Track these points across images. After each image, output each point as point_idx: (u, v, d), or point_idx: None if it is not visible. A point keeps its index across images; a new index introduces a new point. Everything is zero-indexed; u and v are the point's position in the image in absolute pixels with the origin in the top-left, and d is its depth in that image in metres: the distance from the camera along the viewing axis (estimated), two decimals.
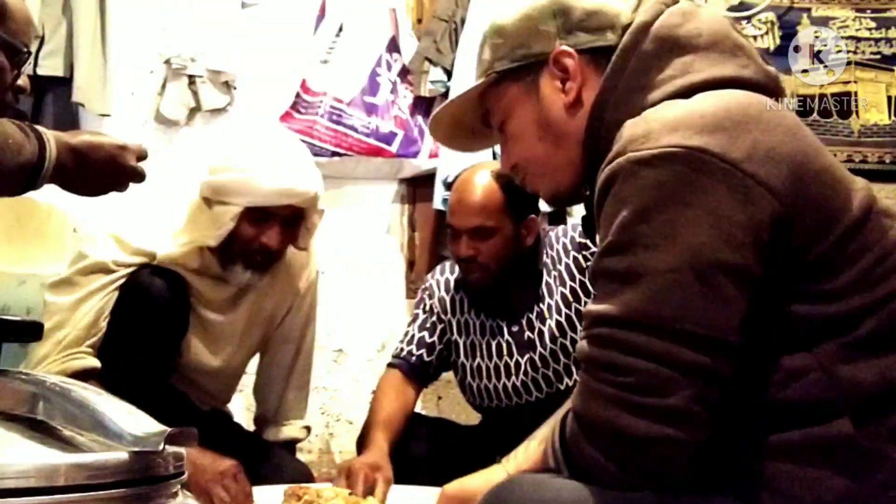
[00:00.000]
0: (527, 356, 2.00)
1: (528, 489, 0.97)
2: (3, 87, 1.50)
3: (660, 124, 0.97)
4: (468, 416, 2.41)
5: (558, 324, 1.97)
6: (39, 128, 1.34)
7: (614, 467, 0.93)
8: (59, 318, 1.85)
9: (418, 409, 3.01)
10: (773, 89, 1.11)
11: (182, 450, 0.80)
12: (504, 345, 2.02)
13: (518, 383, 2.01)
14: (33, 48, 1.60)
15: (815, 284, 0.95)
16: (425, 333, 2.11)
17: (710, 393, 0.92)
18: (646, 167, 0.94)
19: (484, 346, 2.05)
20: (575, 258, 1.99)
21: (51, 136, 1.34)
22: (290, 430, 2.17)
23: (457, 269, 2.13)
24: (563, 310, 1.97)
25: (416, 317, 2.15)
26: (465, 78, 2.93)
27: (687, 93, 1.04)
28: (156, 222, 1.98)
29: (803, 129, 1.04)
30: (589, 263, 1.89)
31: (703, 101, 1.01)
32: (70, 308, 1.86)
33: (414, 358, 2.09)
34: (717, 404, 0.93)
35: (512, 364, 2.02)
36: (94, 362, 1.85)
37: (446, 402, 3.10)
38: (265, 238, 1.88)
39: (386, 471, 1.83)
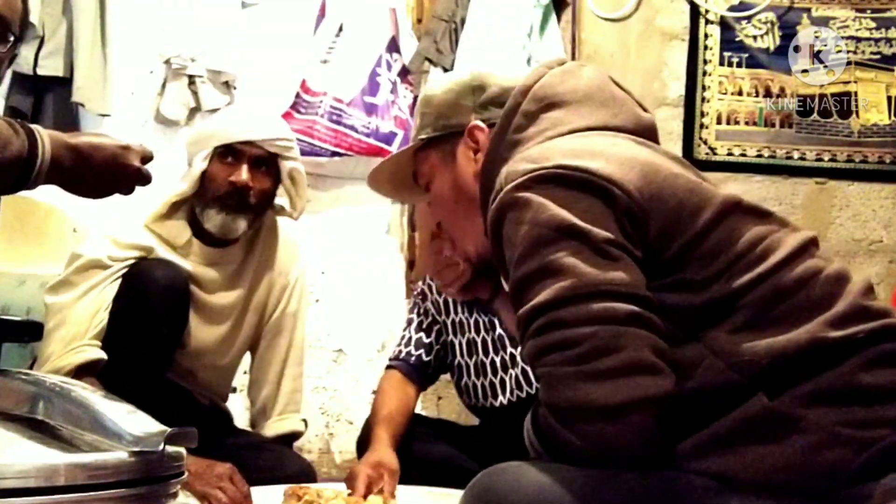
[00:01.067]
0: (520, 347, 2.02)
1: (511, 472, 1.01)
2: None
3: (524, 161, 1.11)
4: (468, 417, 2.41)
5: None
6: (34, 126, 1.33)
7: (590, 448, 0.97)
8: (60, 317, 1.88)
9: (418, 409, 3.01)
10: (643, 135, 1.22)
11: (182, 450, 0.80)
12: (497, 340, 2.04)
13: (518, 374, 2.02)
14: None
15: (684, 275, 1.04)
16: (422, 334, 2.12)
17: (658, 343, 0.98)
18: (522, 190, 1.07)
19: (479, 343, 2.07)
20: None
21: (45, 134, 1.32)
22: (288, 423, 2.18)
23: None
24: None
25: (410, 321, 2.17)
26: None
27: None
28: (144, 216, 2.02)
29: (655, 150, 1.17)
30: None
31: (560, 141, 1.16)
32: (70, 306, 1.89)
33: (413, 358, 2.10)
34: (666, 356, 0.98)
35: (508, 357, 2.04)
36: (100, 354, 1.87)
37: (446, 402, 3.10)
38: (234, 176, 1.98)
39: (390, 464, 1.83)
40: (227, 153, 1.99)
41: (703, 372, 0.99)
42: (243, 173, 1.98)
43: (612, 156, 1.09)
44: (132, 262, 1.94)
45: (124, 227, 1.98)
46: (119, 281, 1.92)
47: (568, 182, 1.05)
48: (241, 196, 2.00)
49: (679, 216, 1.06)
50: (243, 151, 1.99)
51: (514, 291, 1.08)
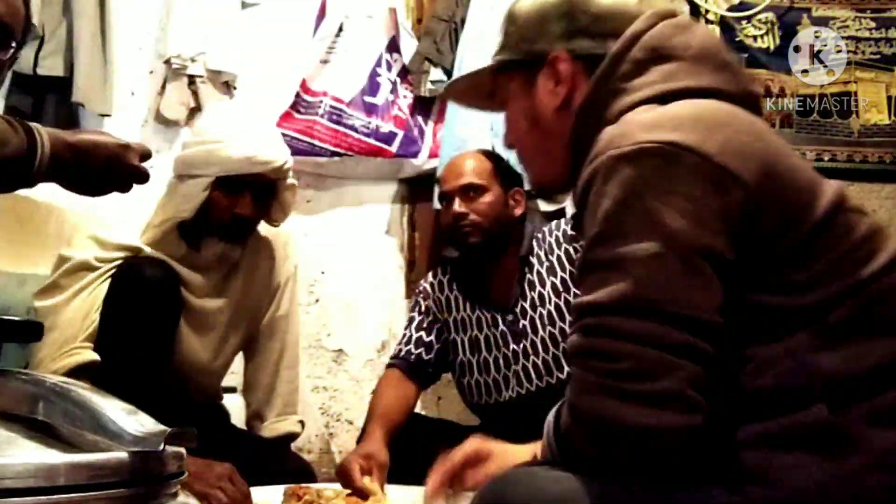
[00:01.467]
0: (522, 344, 2.04)
1: (524, 481, 0.99)
2: None
3: (636, 125, 1.03)
4: (468, 417, 2.41)
5: (549, 312, 2.03)
6: (33, 124, 1.32)
7: (608, 460, 0.95)
8: (51, 321, 1.86)
9: (417, 409, 3.01)
10: (751, 107, 1.14)
11: (182, 450, 0.80)
12: (500, 336, 2.06)
13: (520, 370, 2.03)
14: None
15: (783, 276, 0.98)
16: (423, 333, 2.13)
17: (700, 374, 0.94)
18: (624, 162, 0.99)
19: (482, 340, 2.08)
20: (566, 250, 2.06)
21: (44, 131, 1.32)
22: (285, 424, 2.17)
23: (448, 270, 2.17)
24: (554, 299, 2.03)
25: (412, 319, 2.18)
26: None
27: (665, 98, 1.09)
28: (136, 218, 2.01)
29: (773, 135, 1.08)
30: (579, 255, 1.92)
31: (677, 106, 1.06)
32: (60, 309, 1.88)
33: (413, 357, 2.10)
34: (708, 388, 0.94)
35: (510, 354, 2.04)
36: (92, 356, 1.86)
37: (446, 402, 3.10)
38: (238, 208, 1.95)
39: (379, 456, 1.84)
40: (230, 182, 1.94)
41: (777, 372, 0.96)
42: (248, 206, 1.95)
43: (734, 135, 1.01)
44: (120, 261, 1.92)
45: (109, 226, 1.97)
46: (108, 281, 1.91)
47: (681, 162, 0.98)
48: (242, 226, 1.99)
49: (790, 214, 1.00)
50: (247, 181, 1.94)
51: (580, 269, 1.03)
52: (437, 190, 3.03)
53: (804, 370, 0.96)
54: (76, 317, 1.87)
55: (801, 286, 0.98)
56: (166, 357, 1.97)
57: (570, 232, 2.05)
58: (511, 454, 1.15)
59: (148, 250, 1.95)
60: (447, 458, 1.27)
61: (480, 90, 1.35)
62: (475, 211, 2.04)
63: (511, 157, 1.44)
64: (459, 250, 2.13)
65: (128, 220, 2.04)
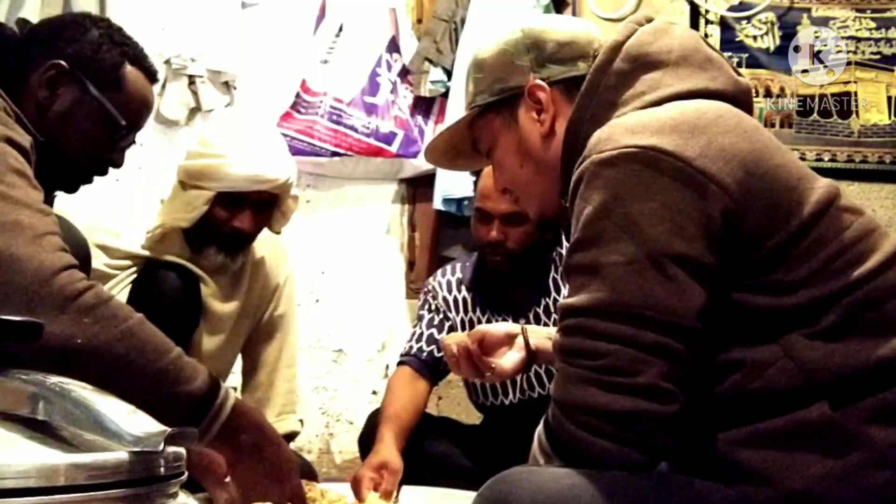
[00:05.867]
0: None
1: (525, 479, 1.00)
2: (96, 154, 1.52)
3: (620, 129, 1.05)
4: (468, 417, 2.42)
5: None
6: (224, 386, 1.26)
7: (599, 440, 0.97)
8: None
9: None
10: (742, 100, 1.16)
11: (182, 450, 0.80)
12: None
13: (525, 377, 2.02)
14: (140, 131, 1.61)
15: (773, 276, 1.00)
16: (434, 330, 2.12)
17: (676, 371, 0.97)
18: (606, 167, 1.01)
19: None
20: None
21: (231, 393, 1.25)
22: (285, 423, 2.18)
23: (458, 270, 2.15)
24: (560, 299, 1.99)
25: (421, 317, 2.17)
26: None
27: (654, 106, 1.10)
28: (139, 225, 2.01)
29: (761, 132, 1.09)
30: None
31: (661, 109, 1.08)
32: None
33: (424, 354, 2.10)
34: (684, 381, 0.98)
35: None
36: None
37: (446, 402, 3.10)
38: (237, 222, 1.95)
39: (392, 464, 1.84)
40: (232, 196, 1.94)
41: (773, 373, 0.98)
42: (248, 220, 1.96)
43: (716, 137, 1.02)
44: (134, 270, 1.93)
45: (117, 238, 1.97)
46: (127, 288, 1.92)
47: (658, 168, 1.00)
48: (242, 240, 2.00)
49: (776, 215, 1.01)
50: (249, 197, 1.95)
51: (565, 271, 1.08)
52: (437, 190, 3.04)
53: (799, 370, 0.97)
54: None
55: (789, 286, 1.00)
56: None
57: None
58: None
59: (152, 254, 1.96)
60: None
61: (462, 144, 1.38)
62: (512, 239, 1.99)
63: None
64: (483, 265, 2.10)
65: (132, 226, 2.04)
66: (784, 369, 0.98)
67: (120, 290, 1.91)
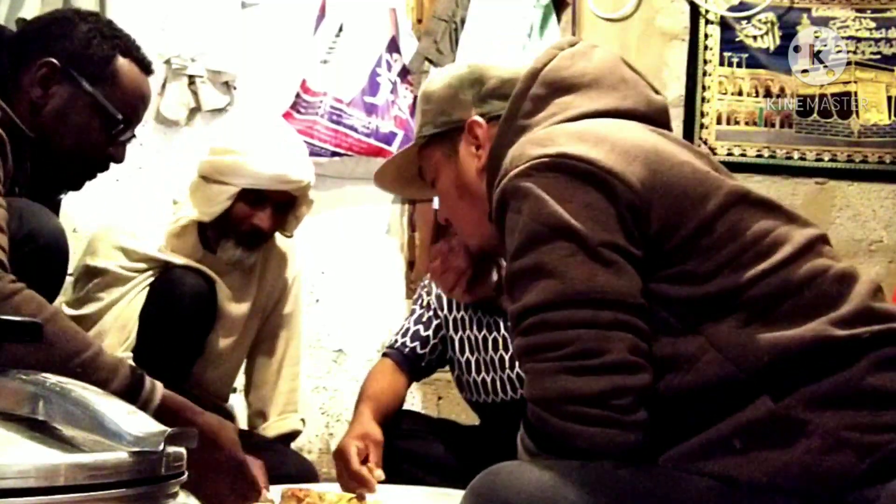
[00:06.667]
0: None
1: (513, 473, 1.01)
2: (95, 149, 1.50)
3: (529, 144, 1.10)
4: (468, 417, 2.41)
5: None
6: (154, 381, 1.21)
7: (583, 427, 0.98)
8: (95, 330, 1.87)
9: (418, 408, 3.01)
10: (655, 118, 1.21)
11: (182, 450, 0.80)
12: (500, 339, 2.04)
13: (514, 376, 2.02)
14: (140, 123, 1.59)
15: (684, 267, 1.04)
16: (420, 327, 2.13)
17: (639, 343, 1.00)
18: (525, 178, 1.06)
19: (479, 341, 2.07)
20: None
21: (159, 389, 1.19)
22: (288, 422, 2.19)
23: None
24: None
25: (412, 312, 2.18)
26: None
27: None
28: (156, 225, 2.02)
29: (665, 135, 1.15)
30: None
31: (567, 125, 1.15)
32: (93, 318, 1.89)
33: (407, 349, 2.11)
34: (648, 353, 1.01)
35: (507, 357, 2.04)
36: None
37: (446, 402, 3.10)
38: (257, 219, 1.99)
39: (374, 435, 1.85)
40: (254, 194, 1.99)
41: (703, 366, 1.00)
42: (267, 219, 2.00)
43: (618, 142, 1.08)
44: (152, 272, 1.95)
45: (135, 239, 1.99)
46: (145, 290, 1.93)
47: (570, 172, 1.05)
48: (260, 236, 2.03)
49: (682, 206, 1.05)
50: (271, 196, 2.00)
51: (508, 283, 1.10)
52: None
53: (727, 360, 0.99)
54: (116, 325, 1.89)
55: (704, 276, 1.03)
56: (194, 361, 2.00)
57: None
58: None
59: (168, 257, 1.97)
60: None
61: (408, 172, 1.44)
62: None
63: None
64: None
65: (143, 227, 2.05)
66: (713, 361, 1.00)
67: (137, 292, 1.93)
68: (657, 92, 1.25)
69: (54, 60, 1.45)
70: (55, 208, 1.58)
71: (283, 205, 2.04)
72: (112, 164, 1.60)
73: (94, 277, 1.93)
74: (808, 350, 0.99)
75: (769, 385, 0.98)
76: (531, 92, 1.21)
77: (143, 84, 1.57)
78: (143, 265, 1.96)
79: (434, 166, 1.37)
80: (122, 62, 1.53)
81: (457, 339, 2.11)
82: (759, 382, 0.98)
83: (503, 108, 1.26)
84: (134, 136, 1.58)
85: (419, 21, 3.24)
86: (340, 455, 1.81)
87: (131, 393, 1.16)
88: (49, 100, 1.46)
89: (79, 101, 1.48)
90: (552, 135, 1.11)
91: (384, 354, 2.13)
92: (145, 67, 1.59)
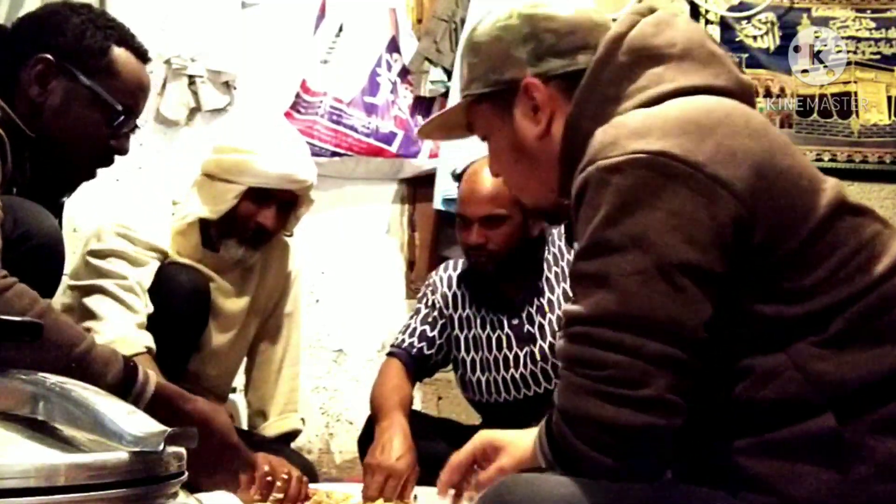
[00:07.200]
0: (526, 349, 2.02)
1: (525, 486, 0.99)
2: (97, 143, 1.49)
3: (626, 131, 1.01)
4: (469, 417, 2.41)
5: (559, 318, 2.00)
6: (141, 367, 1.21)
7: (602, 457, 0.96)
8: (116, 299, 1.84)
9: (418, 407, 3.01)
10: (744, 98, 1.12)
11: (182, 450, 0.80)
12: (504, 338, 2.04)
13: (517, 376, 2.02)
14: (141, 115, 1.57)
15: (782, 284, 0.98)
16: (427, 327, 2.12)
17: (682, 382, 0.96)
18: (613, 174, 0.98)
19: (484, 340, 2.07)
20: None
21: (152, 376, 1.20)
22: (288, 422, 2.20)
23: (460, 265, 2.15)
24: (564, 305, 1.99)
25: (418, 311, 2.17)
26: None
27: (657, 102, 1.07)
28: (156, 225, 2.02)
29: (770, 131, 1.05)
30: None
31: (667, 108, 1.05)
32: (124, 291, 1.87)
33: (415, 350, 2.10)
34: (689, 392, 0.96)
35: (511, 357, 2.03)
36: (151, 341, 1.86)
37: (446, 402, 3.10)
38: (262, 217, 2.01)
39: (410, 468, 1.84)
40: (261, 193, 2.00)
41: (780, 383, 0.96)
42: (272, 218, 2.02)
43: (725, 138, 0.99)
44: (154, 261, 1.95)
45: (139, 229, 1.99)
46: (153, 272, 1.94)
47: (667, 174, 0.96)
48: (264, 235, 2.04)
49: (787, 220, 0.98)
50: (276, 195, 2.02)
51: (571, 278, 1.06)
52: (437, 190, 3.04)
53: (807, 381, 0.95)
54: (139, 302, 1.90)
55: (799, 294, 0.97)
56: (189, 358, 2.01)
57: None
58: (521, 445, 1.14)
59: (169, 248, 1.99)
60: (458, 454, 1.26)
61: (455, 126, 1.33)
62: (493, 241, 1.99)
63: None
64: (468, 276, 2.12)
65: (149, 227, 2.04)
66: (791, 379, 0.96)
67: (148, 271, 1.92)
68: (742, 71, 1.17)
69: (49, 56, 1.44)
70: (58, 212, 1.57)
71: (287, 204, 2.05)
72: (117, 158, 1.58)
73: (103, 258, 1.92)
74: (889, 378, 0.95)
75: (837, 405, 0.95)
76: (615, 59, 1.11)
77: (140, 72, 1.55)
78: (149, 253, 1.96)
79: (486, 125, 1.26)
80: (118, 52, 1.51)
81: (462, 337, 2.11)
82: (829, 403, 0.95)
83: (562, 67, 1.17)
84: (136, 126, 1.57)
85: (419, 21, 3.24)
86: (390, 477, 1.79)
87: (126, 383, 1.17)
88: (48, 96, 1.44)
89: (77, 94, 1.46)
90: (650, 123, 1.01)
91: (391, 354, 2.13)
92: (142, 56, 1.57)
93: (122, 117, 1.49)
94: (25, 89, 1.43)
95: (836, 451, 0.94)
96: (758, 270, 0.98)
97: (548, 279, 2.05)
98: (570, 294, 1.04)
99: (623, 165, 0.98)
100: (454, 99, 2.99)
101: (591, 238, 1.00)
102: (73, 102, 1.46)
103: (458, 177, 2.11)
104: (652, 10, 1.16)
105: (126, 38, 1.54)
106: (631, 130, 1.01)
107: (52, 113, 1.44)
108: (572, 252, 2.01)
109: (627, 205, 0.97)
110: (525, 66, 1.18)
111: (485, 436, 1.24)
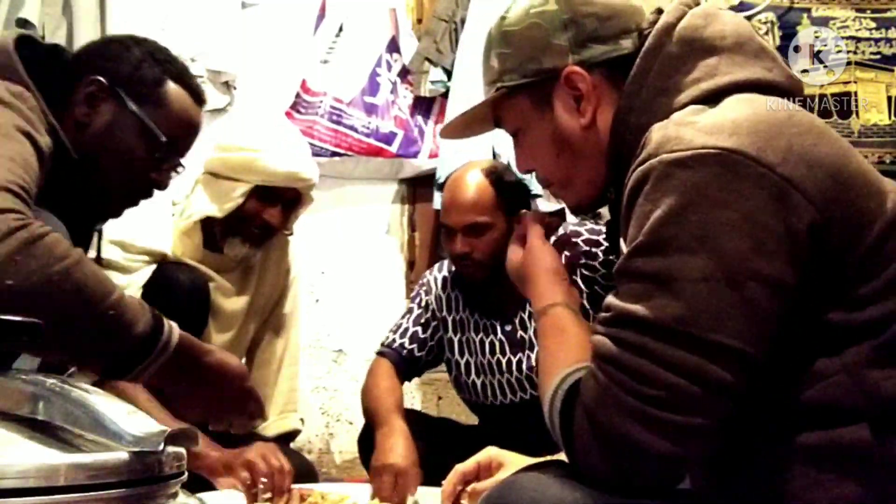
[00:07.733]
0: (518, 355, 2.01)
1: (531, 486, 0.96)
2: (138, 172, 1.49)
3: (693, 128, 0.95)
4: (468, 417, 2.41)
5: None
6: (166, 319, 1.24)
7: (616, 475, 0.92)
8: None
9: (418, 407, 3.01)
10: (795, 92, 1.07)
11: (182, 450, 0.80)
12: (497, 343, 2.04)
13: (513, 380, 2.02)
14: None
15: (851, 290, 0.92)
16: (419, 329, 2.12)
17: (732, 409, 0.90)
18: (681, 168, 0.91)
19: (477, 343, 2.07)
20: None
21: (175, 328, 1.24)
22: (287, 422, 2.20)
23: (453, 266, 2.15)
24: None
25: (410, 311, 2.16)
26: (466, 78, 2.93)
27: (713, 96, 1.02)
28: (157, 221, 2.03)
29: (833, 133, 1.00)
30: (588, 274, 1.90)
31: (734, 106, 0.99)
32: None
33: (405, 351, 2.09)
34: (733, 418, 0.91)
35: (504, 361, 2.03)
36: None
37: (446, 402, 3.10)
38: (268, 215, 2.02)
39: (418, 469, 1.84)
40: (266, 191, 2.02)
41: (826, 386, 0.91)
42: (277, 216, 2.03)
43: (795, 139, 0.93)
44: (148, 266, 1.95)
45: (135, 233, 1.99)
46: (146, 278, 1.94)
47: (740, 172, 0.90)
48: (267, 233, 2.05)
49: (856, 226, 0.92)
50: (282, 194, 2.03)
51: (619, 272, 0.96)
52: (436, 190, 3.04)
53: (854, 387, 0.91)
54: None
55: (861, 301, 0.92)
56: None
57: (583, 247, 1.95)
58: (524, 466, 1.10)
59: (165, 249, 1.99)
60: (462, 465, 1.26)
61: (481, 121, 1.25)
62: (479, 249, 1.96)
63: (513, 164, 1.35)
64: (460, 281, 2.11)
65: (149, 227, 2.05)
66: (839, 384, 0.91)
67: (140, 280, 1.93)
68: (789, 66, 1.11)
69: (101, 78, 1.45)
70: (87, 238, 1.57)
71: (290, 202, 2.07)
72: (156, 192, 1.59)
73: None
74: None
75: (876, 415, 0.90)
76: (666, 50, 1.06)
77: (191, 111, 1.55)
78: (143, 258, 1.96)
79: (520, 118, 1.18)
80: (172, 87, 1.52)
81: (455, 340, 2.10)
82: (868, 411, 0.91)
83: (605, 53, 1.11)
84: (181, 165, 1.57)
85: (419, 21, 3.24)
86: (399, 476, 1.78)
87: (155, 332, 1.19)
88: (94, 118, 1.45)
89: (123, 120, 1.46)
90: (718, 122, 0.94)
91: (381, 353, 2.12)
92: (197, 96, 1.57)
93: (166, 150, 1.49)
94: (74, 109, 1.44)
95: (863, 464, 0.90)
96: (828, 277, 0.92)
97: None
98: (616, 288, 0.96)
99: (690, 160, 0.91)
100: (454, 99, 2.99)
101: (651, 234, 0.91)
102: (117, 127, 1.46)
103: (440, 186, 2.10)
104: (697, 2, 1.12)
105: (183, 77, 1.55)
106: (698, 127, 0.94)
107: (95, 134, 1.44)
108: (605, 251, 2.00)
109: (694, 202, 0.89)
110: (566, 53, 1.11)
111: (491, 451, 1.24)
